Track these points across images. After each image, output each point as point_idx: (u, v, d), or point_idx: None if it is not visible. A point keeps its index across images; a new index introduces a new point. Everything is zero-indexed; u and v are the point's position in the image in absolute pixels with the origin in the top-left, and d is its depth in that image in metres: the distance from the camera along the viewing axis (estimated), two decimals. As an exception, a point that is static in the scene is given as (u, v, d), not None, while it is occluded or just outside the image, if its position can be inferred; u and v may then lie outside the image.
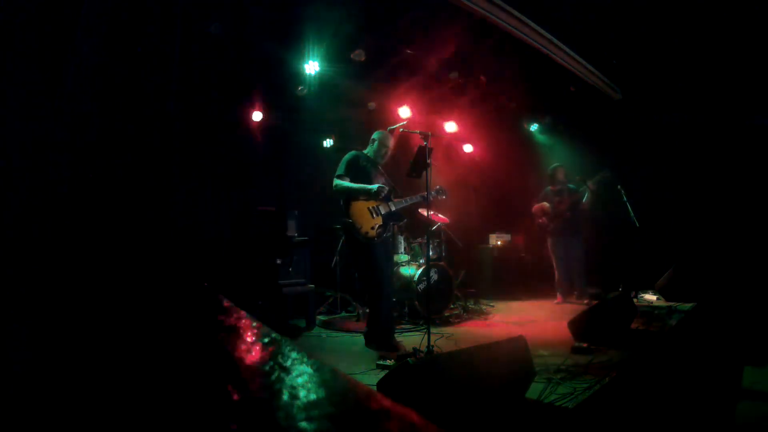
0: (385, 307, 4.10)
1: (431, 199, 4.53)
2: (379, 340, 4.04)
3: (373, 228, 4.10)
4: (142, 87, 2.34)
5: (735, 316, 4.35)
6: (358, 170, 4.24)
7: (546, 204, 6.65)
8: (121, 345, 0.67)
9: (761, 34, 5.03)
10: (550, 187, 6.75)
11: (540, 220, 6.72)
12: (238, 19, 4.96)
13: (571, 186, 6.61)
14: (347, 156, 4.31)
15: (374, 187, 4.11)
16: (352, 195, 4.13)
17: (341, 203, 4.20)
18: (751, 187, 5.86)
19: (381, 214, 4.18)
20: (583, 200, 6.39)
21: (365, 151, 4.44)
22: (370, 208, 4.15)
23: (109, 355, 0.63)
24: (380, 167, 4.42)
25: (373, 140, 4.44)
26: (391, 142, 4.47)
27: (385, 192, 4.20)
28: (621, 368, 3.04)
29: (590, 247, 6.66)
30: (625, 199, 6.02)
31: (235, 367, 0.55)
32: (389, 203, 4.28)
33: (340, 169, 4.22)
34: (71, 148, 2.07)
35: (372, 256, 4.10)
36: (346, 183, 4.13)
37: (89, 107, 2.14)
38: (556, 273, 6.66)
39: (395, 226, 5.16)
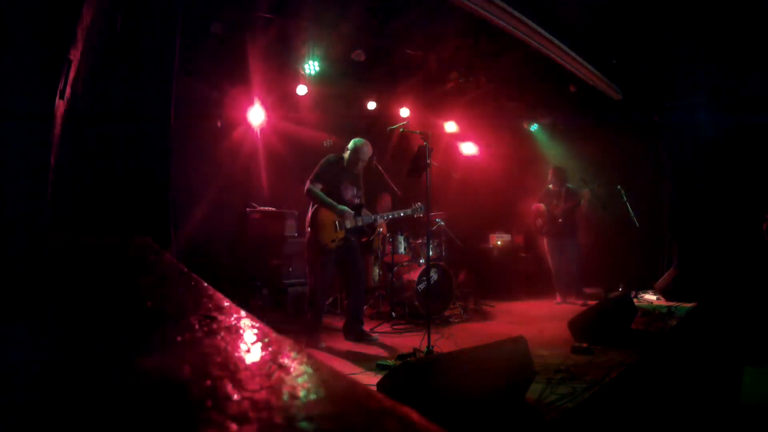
0: (316, 311, 4.24)
1: (413, 214, 4.66)
2: (351, 332, 4.36)
3: (333, 241, 4.19)
4: (142, 87, 2.34)
5: (735, 316, 4.35)
6: (331, 177, 4.28)
7: (542, 206, 6.67)
8: (122, 346, 0.67)
9: (761, 33, 5.03)
10: (551, 186, 6.75)
11: (537, 221, 6.74)
12: (238, 19, 4.96)
13: (570, 187, 6.61)
14: (324, 160, 4.36)
15: (342, 210, 4.19)
16: (320, 205, 4.19)
17: (310, 208, 4.26)
18: (751, 187, 5.85)
19: (345, 228, 4.24)
20: (580, 204, 6.40)
21: (344, 156, 4.46)
22: (337, 222, 4.21)
23: (109, 356, 0.63)
24: (357, 174, 4.46)
25: (347, 149, 4.45)
26: (367, 154, 4.42)
27: (348, 216, 4.25)
28: (621, 368, 3.04)
29: (591, 247, 6.65)
30: (625, 199, 6.01)
31: (235, 367, 0.55)
32: (357, 218, 4.32)
33: (315, 173, 4.26)
34: (71, 148, 2.07)
35: (322, 262, 4.18)
36: (319, 193, 4.18)
37: (89, 107, 2.14)
38: (553, 274, 6.71)
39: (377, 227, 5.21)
